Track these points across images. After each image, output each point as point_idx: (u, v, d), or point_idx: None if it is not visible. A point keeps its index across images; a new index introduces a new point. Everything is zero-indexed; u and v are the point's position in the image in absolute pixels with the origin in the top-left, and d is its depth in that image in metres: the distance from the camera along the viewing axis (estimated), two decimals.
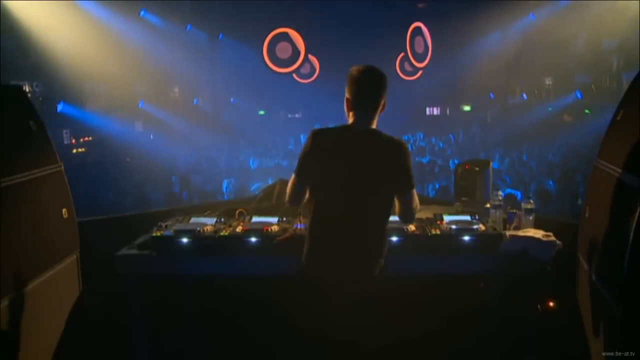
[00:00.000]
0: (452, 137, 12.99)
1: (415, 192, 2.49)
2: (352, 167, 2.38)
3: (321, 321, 2.37)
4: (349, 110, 2.48)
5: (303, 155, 2.44)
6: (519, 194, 6.42)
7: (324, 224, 2.43)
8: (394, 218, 3.12)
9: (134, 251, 2.99)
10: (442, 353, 3.33)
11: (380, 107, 2.48)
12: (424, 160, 9.72)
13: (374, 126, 2.48)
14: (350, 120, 2.48)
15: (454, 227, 2.97)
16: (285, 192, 2.54)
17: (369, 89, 2.44)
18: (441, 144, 12.06)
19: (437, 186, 7.29)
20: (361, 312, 2.37)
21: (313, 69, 13.08)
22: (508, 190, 6.64)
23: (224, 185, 7.73)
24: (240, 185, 7.71)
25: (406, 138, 12.80)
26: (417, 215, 3.26)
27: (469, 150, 10.67)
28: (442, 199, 5.31)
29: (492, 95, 15.06)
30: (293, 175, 2.48)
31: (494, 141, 11.46)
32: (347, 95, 2.48)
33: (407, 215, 2.51)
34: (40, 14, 8.16)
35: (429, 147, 11.76)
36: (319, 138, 2.43)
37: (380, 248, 2.46)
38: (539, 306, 3.01)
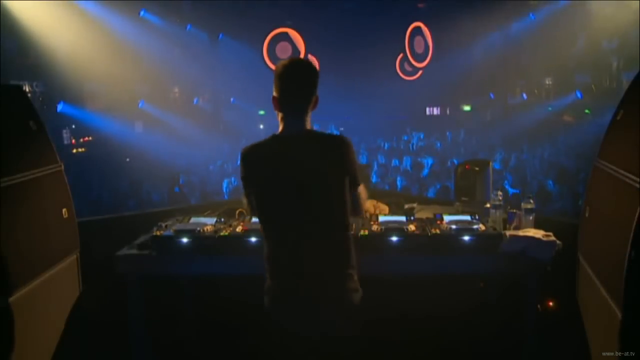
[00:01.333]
0: (451, 137, 12.99)
1: (362, 188, 2.33)
2: (293, 179, 2.17)
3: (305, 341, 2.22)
4: (277, 110, 2.27)
5: (242, 179, 2.28)
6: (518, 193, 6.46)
7: (278, 248, 2.23)
8: (390, 218, 3.13)
9: (134, 251, 2.99)
10: (442, 353, 3.33)
11: (312, 104, 2.26)
12: (424, 161, 9.72)
13: (307, 126, 2.26)
14: (280, 124, 2.27)
15: (454, 227, 2.97)
16: None
17: (296, 85, 2.23)
18: (440, 144, 12.06)
19: (437, 186, 7.29)
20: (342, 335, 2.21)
21: None
22: (512, 191, 6.68)
23: (224, 185, 7.73)
24: (240, 185, 7.70)
25: (405, 138, 12.82)
26: (417, 215, 3.29)
27: (468, 150, 10.67)
28: (442, 199, 5.31)
29: (492, 95, 15.06)
30: (245, 200, 2.33)
31: (494, 141, 11.47)
32: (274, 93, 2.26)
33: (355, 212, 2.33)
34: (40, 14, 8.17)
35: (429, 147, 11.75)
36: (250, 158, 2.24)
37: (347, 257, 2.24)
38: (539, 306, 3.01)
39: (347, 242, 2.25)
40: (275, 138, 2.26)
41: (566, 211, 5.90)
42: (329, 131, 2.86)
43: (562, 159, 9.20)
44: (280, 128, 2.27)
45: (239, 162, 2.29)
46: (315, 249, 2.19)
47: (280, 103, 2.25)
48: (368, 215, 3.21)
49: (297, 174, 2.18)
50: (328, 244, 2.22)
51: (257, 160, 2.24)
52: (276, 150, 2.22)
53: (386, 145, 11.83)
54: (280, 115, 2.28)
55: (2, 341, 2.48)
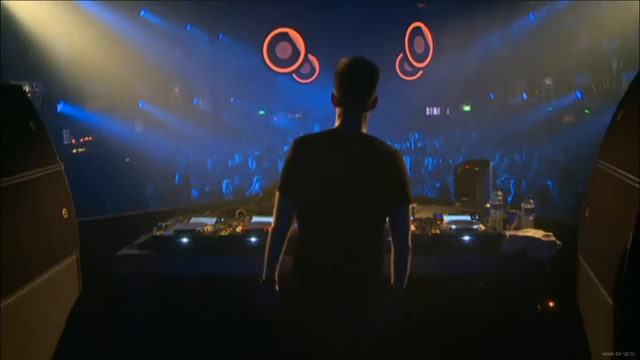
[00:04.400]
0: (451, 137, 12.99)
1: (410, 209, 2.25)
2: (340, 178, 2.17)
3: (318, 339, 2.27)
4: (336, 107, 2.27)
5: (286, 168, 2.25)
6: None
7: (310, 243, 2.26)
8: None
9: (134, 251, 2.99)
10: (442, 353, 3.33)
11: (371, 104, 2.26)
12: (425, 161, 9.73)
13: (364, 127, 2.26)
14: (337, 120, 2.26)
15: (454, 227, 2.97)
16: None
17: (356, 83, 2.21)
18: (438, 144, 12.06)
19: (437, 186, 7.31)
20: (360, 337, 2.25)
21: (313, 69, 13.07)
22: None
23: (224, 185, 7.73)
24: (240, 185, 7.71)
25: (405, 138, 12.83)
26: (417, 215, 3.29)
27: (469, 150, 10.67)
28: (442, 199, 5.31)
29: (492, 95, 15.06)
30: (277, 194, 2.28)
31: (494, 141, 11.47)
32: (333, 91, 2.25)
33: (400, 235, 2.22)
34: (40, 14, 8.17)
35: (429, 147, 11.75)
36: (302, 147, 2.23)
37: (377, 268, 2.26)
38: (539, 306, 3.01)
39: (379, 252, 2.26)
40: (330, 133, 2.26)
41: (566, 211, 5.90)
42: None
43: (561, 159, 9.21)
44: (337, 124, 2.26)
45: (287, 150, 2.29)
46: (346, 252, 2.20)
47: (339, 101, 2.24)
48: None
49: (344, 173, 2.17)
50: (360, 249, 2.22)
51: (308, 150, 2.23)
52: (329, 143, 2.22)
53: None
54: (338, 112, 2.26)
55: (3, 341, 2.48)
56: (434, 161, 9.67)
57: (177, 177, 8.27)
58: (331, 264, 2.21)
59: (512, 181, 7.24)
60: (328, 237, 2.21)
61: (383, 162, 2.19)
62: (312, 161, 2.21)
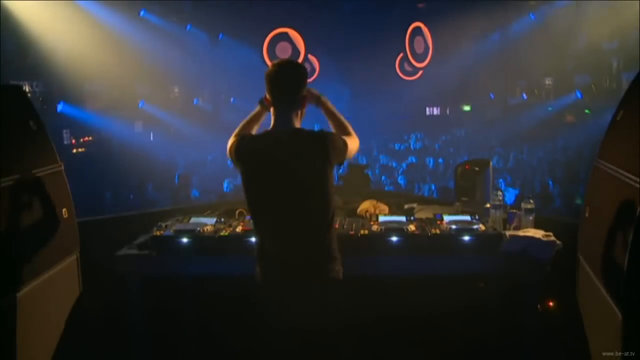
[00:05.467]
0: (451, 137, 12.98)
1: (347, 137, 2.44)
2: (281, 171, 2.29)
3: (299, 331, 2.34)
4: (270, 108, 2.43)
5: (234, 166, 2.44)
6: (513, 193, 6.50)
7: (267, 238, 2.37)
8: (390, 218, 3.13)
9: (134, 251, 2.99)
10: (442, 353, 3.33)
11: (299, 102, 2.39)
12: (425, 161, 9.74)
13: (297, 124, 2.38)
14: (272, 121, 2.40)
15: (454, 227, 2.97)
16: None
17: (284, 84, 2.36)
18: (438, 145, 12.05)
19: (432, 187, 7.31)
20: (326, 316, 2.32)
21: (313, 69, 13.07)
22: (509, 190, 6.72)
23: (224, 185, 7.73)
24: (240, 185, 7.70)
25: (405, 138, 12.82)
26: (417, 215, 3.29)
27: (468, 150, 10.67)
28: (442, 199, 5.31)
29: (492, 96, 15.05)
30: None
31: (494, 141, 11.46)
32: (265, 94, 2.42)
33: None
34: (40, 14, 8.16)
35: (429, 147, 11.75)
36: (241, 150, 2.36)
37: (329, 251, 2.35)
38: (539, 306, 3.01)
39: (327, 231, 2.34)
40: (266, 132, 2.40)
41: (566, 211, 5.90)
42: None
43: (562, 158, 9.21)
44: (272, 124, 2.40)
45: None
46: (296, 238, 2.32)
47: (271, 102, 2.39)
48: (368, 215, 3.23)
49: (284, 166, 2.29)
50: (307, 233, 2.33)
51: (247, 152, 2.35)
52: (267, 143, 2.35)
53: (388, 145, 11.85)
54: (272, 112, 2.42)
55: (3, 341, 2.48)
56: (434, 161, 9.68)
57: (176, 177, 8.28)
58: (285, 254, 2.32)
59: (501, 180, 7.25)
60: (279, 228, 2.33)
61: (318, 144, 2.29)
62: (253, 160, 2.34)
